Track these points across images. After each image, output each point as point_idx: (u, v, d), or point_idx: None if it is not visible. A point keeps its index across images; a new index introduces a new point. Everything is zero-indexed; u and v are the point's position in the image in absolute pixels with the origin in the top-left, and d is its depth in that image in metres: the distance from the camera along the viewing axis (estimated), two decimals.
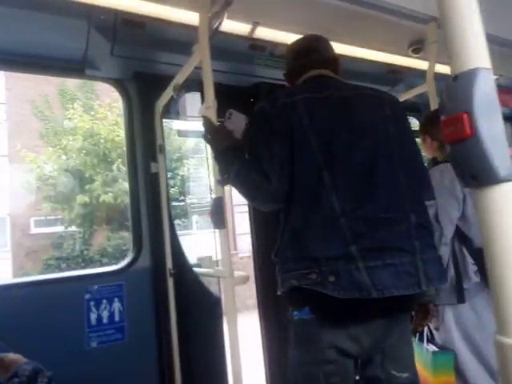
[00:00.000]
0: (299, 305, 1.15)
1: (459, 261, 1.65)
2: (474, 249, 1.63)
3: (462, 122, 0.50)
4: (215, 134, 1.34)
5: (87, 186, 8.34)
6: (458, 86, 0.52)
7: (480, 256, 1.54)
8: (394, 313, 1.15)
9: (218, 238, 1.47)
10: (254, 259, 2.36)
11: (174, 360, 1.95)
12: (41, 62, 1.94)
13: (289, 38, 1.97)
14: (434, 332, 1.74)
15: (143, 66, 2.05)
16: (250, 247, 2.40)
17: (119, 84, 2.10)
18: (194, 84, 1.73)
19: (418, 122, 3.53)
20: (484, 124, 0.49)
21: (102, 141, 8.39)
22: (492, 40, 2.22)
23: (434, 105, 2.09)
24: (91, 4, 1.61)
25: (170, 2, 1.68)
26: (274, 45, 2.02)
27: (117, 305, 1.92)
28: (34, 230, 10.53)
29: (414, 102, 2.51)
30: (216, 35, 1.63)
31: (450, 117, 0.52)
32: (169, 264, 2.03)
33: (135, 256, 2.02)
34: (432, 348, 1.73)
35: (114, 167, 8.26)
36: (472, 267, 1.63)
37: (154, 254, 2.04)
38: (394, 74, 2.48)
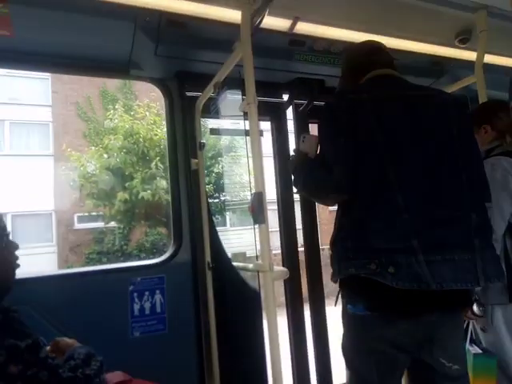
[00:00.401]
0: (354, 295, 1.18)
1: (511, 258, 1.57)
2: None
3: None
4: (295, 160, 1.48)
5: (127, 184, 8.64)
6: None
7: None
8: (450, 307, 1.17)
9: (257, 233, 1.48)
10: (283, 256, 2.38)
11: (213, 352, 1.99)
12: (88, 63, 2.02)
13: (329, 32, 1.96)
14: (480, 333, 1.66)
15: (185, 65, 2.09)
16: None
17: (161, 83, 2.15)
18: (235, 82, 1.75)
19: None
20: None
21: (140, 140, 8.66)
22: None
23: (482, 97, 1.98)
24: (138, 6, 1.67)
25: (213, 1, 1.70)
26: (314, 39, 2.00)
27: (158, 296, 1.98)
28: (78, 226, 11.08)
29: (461, 94, 2.40)
30: (257, 32, 1.64)
31: None
32: (208, 258, 2.07)
33: (175, 250, 2.07)
34: (475, 349, 1.68)
35: (153, 165, 8.50)
36: None
37: (193, 248, 2.10)
38: (439, 66, 2.39)
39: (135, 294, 1.93)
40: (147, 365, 1.82)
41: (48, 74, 10.95)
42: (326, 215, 13.40)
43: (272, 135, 2.53)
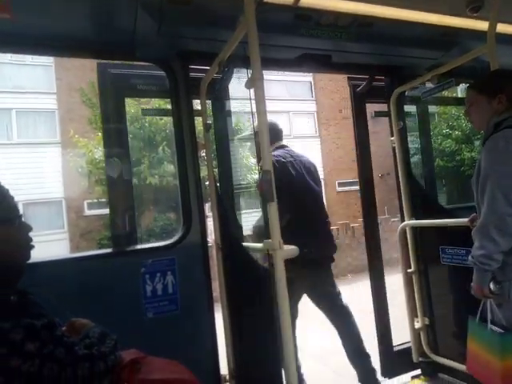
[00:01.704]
0: None
1: None
2: None
3: None
4: None
5: (134, 169, 8.68)
6: None
7: None
8: None
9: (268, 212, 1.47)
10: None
11: (226, 329, 2.02)
12: (90, 45, 2.00)
13: (335, 4, 1.90)
14: (496, 309, 1.64)
15: (188, 44, 2.05)
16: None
17: (165, 64, 2.11)
18: (240, 60, 1.71)
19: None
20: None
21: (146, 124, 8.64)
22: None
23: (494, 68, 1.92)
24: None
25: None
26: (320, 13, 1.94)
27: (170, 278, 2.00)
28: (88, 212, 11.23)
29: (471, 66, 2.33)
30: (261, 6, 1.60)
31: None
32: (217, 239, 2.07)
33: (185, 232, 2.08)
34: (497, 329, 1.60)
35: (160, 150, 8.49)
36: None
37: (202, 230, 2.10)
38: (449, 37, 2.31)
39: (147, 276, 1.95)
40: (162, 344, 1.85)
41: (51, 60, 10.94)
42: (334, 196, 13.40)
43: None
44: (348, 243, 8.82)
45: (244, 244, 2.05)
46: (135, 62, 2.16)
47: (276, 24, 1.96)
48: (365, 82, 2.65)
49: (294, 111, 13.57)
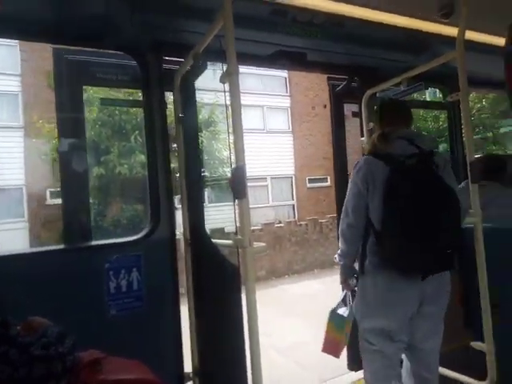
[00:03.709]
0: None
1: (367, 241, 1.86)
2: (377, 231, 1.79)
3: None
4: None
5: (102, 158, 8.39)
6: None
7: (378, 238, 1.73)
8: None
9: (238, 207, 1.46)
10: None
11: (191, 327, 2.00)
12: (58, 31, 1.89)
13: (311, 2, 1.89)
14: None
15: (163, 35, 1.99)
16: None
17: (138, 54, 2.04)
18: (216, 54, 1.68)
19: (441, 95, 3.41)
20: None
21: (116, 112, 8.35)
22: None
23: (462, 73, 1.98)
24: None
25: None
26: (296, 10, 1.93)
27: (135, 274, 1.95)
28: (50, 201, 10.76)
29: (441, 70, 2.39)
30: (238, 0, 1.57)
31: None
32: (186, 234, 2.04)
33: (153, 227, 2.03)
34: (342, 310, 2.08)
35: (132, 138, 8.25)
36: (373, 248, 1.82)
37: (171, 224, 2.06)
38: (420, 41, 2.36)
39: (111, 272, 1.89)
40: (125, 342, 1.80)
41: (16, 40, 10.36)
42: (304, 192, 13.56)
43: None
44: (316, 239, 8.98)
45: (213, 240, 2.03)
46: (100, 50, 2.06)
47: (253, 19, 1.93)
48: (343, 83, 2.68)
49: (268, 106, 13.56)
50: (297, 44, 2.23)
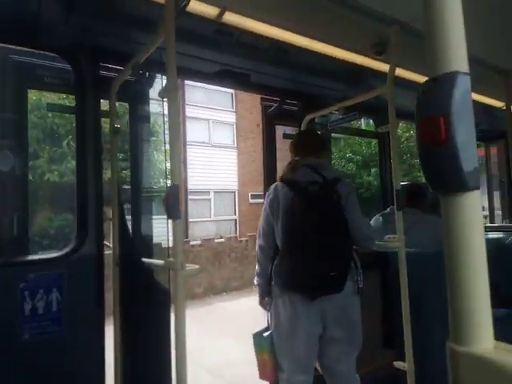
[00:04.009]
0: None
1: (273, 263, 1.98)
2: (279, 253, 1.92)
3: (438, 126, 0.49)
4: None
5: (30, 163, 7.75)
6: (436, 89, 0.51)
7: (279, 260, 1.93)
8: None
9: (170, 228, 1.41)
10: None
11: (116, 354, 1.87)
12: None
13: (256, 26, 1.93)
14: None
15: (102, 41, 1.90)
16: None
17: (72, 57, 1.92)
18: (157, 65, 1.64)
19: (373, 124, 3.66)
20: (459, 130, 0.49)
21: (49, 114, 7.80)
22: None
23: (391, 108, 2.13)
24: None
25: None
26: (241, 32, 1.96)
27: (55, 295, 1.78)
28: None
29: (373, 102, 2.57)
30: (182, 15, 1.55)
31: (426, 119, 0.51)
32: (115, 252, 1.92)
33: (79, 243, 1.89)
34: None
35: (65, 144, 7.73)
36: (276, 269, 1.95)
37: (99, 240, 1.93)
38: (356, 73, 2.52)
39: (26, 293, 1.71)
40: (41, 370, 1.64)
41: None
42: (247, 207, 13.64)
43: None
44: (255, 255, 9.01)
45: (144, 260, 1.94)
46: (39, 51, 1.93)
47: (197, 35, 1.92)
48: (275, 105, 2.72)
49: (214, 120, 13.58)
50: (241, 65, 2.26)
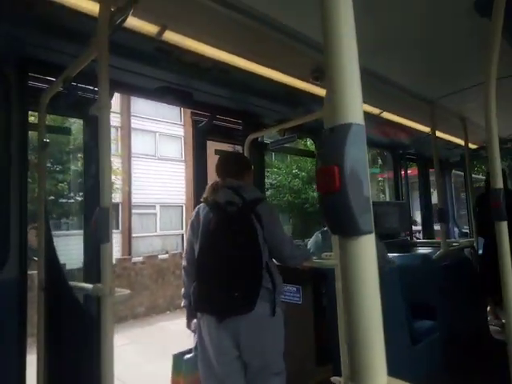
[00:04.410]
0: None
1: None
2: None
3: (332, 175, 0.52)
4: None
5: None
6: (332, 139, 0.55)
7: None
8: None
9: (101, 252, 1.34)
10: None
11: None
12: None
13: (197, 46, 1.94)
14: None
15: (31, 52, 1.81)
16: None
17: None
18: (91, 78, 1.58)
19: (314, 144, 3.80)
20: (352, 179, 0.52)
21: None
22: (376, 77, 2.49)
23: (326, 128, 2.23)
24: None
25: None
26: (182, 51, 1.95)
27: None
28: None
29: (312, 125, 2.67)
30: (120, 31, 1.52)
31: (323, 167, 0.54)
32: (41, 275, 1.78)
33: None
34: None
35: None
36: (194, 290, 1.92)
37: (22, 262, 1.78)
38: (296, 97, 2.61)
39: None
40: None
41: None
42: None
43: None
44: None
45: (72, 284, 1.82)
46: None
47: (136, 51, 1.89)
48: (206, 120, 2.71)
49: (160, 132, 13.32)
50: (182, 82, 2.25)
